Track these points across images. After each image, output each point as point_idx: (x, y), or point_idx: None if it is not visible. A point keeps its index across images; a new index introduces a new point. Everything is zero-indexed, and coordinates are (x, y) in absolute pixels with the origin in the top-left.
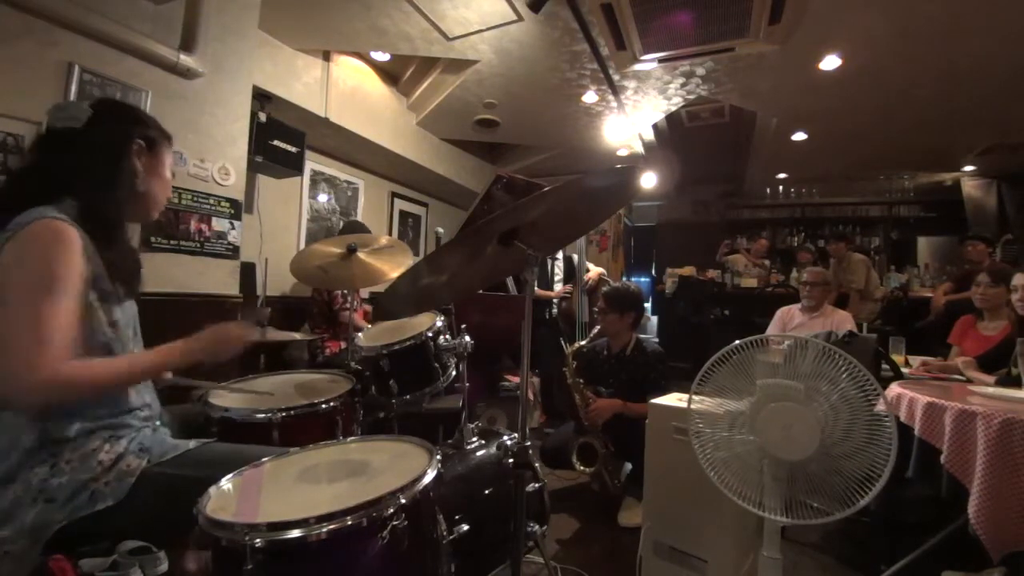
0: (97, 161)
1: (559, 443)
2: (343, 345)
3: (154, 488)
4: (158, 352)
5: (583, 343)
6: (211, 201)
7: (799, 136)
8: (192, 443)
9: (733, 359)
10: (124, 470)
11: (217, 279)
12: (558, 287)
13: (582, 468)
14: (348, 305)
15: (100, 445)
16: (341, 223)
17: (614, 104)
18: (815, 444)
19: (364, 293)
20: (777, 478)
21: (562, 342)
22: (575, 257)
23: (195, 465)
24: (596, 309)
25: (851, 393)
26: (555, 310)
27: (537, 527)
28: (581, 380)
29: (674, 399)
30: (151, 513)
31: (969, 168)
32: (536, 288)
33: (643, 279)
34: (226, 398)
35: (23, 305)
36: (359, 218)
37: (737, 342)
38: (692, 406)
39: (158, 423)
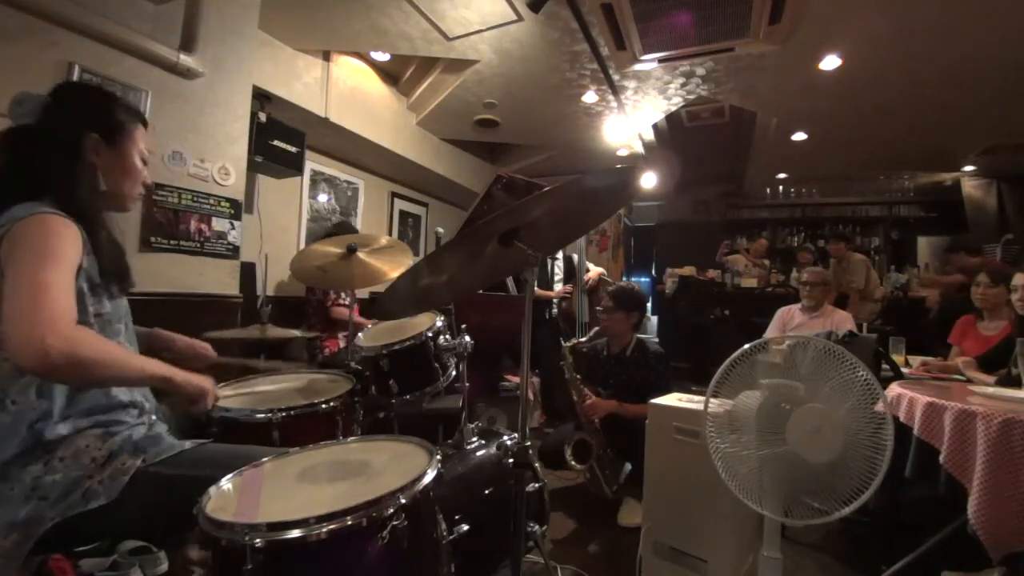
0: (53, 161)
1: (556, 444)
2: (341, 344)
3: (149, 487)
4: (161, 366)
5: (582, 340)
6: (211, 201)
7: (799, 136)
8: (188, 443)
9: (749, 360)
10: (118, 468)
11: (217, 279)
12: (558, 287)
13: (573, 463)
14: (342, 301)
15: (93, 442)
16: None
17: (614, 104)
18: (840, 446)
19: (360, 293)
20: (785, 479)
21: (562, 342)
22: (575, 257)
23: (191, 465)
24: (599, 308)
25: (860, 393)
26: (555, 310)
27: (537, 527)
28: (579, 376)
29: (674, 399)
30: (146, 512)
31: (969, 168)
32: (536, 288)
33: (643, 279)
34: (226, 398)
35: (28, 275)
36: (359, 218)
37: (749, 345)
38: (709, 409)
39: (153, 417)
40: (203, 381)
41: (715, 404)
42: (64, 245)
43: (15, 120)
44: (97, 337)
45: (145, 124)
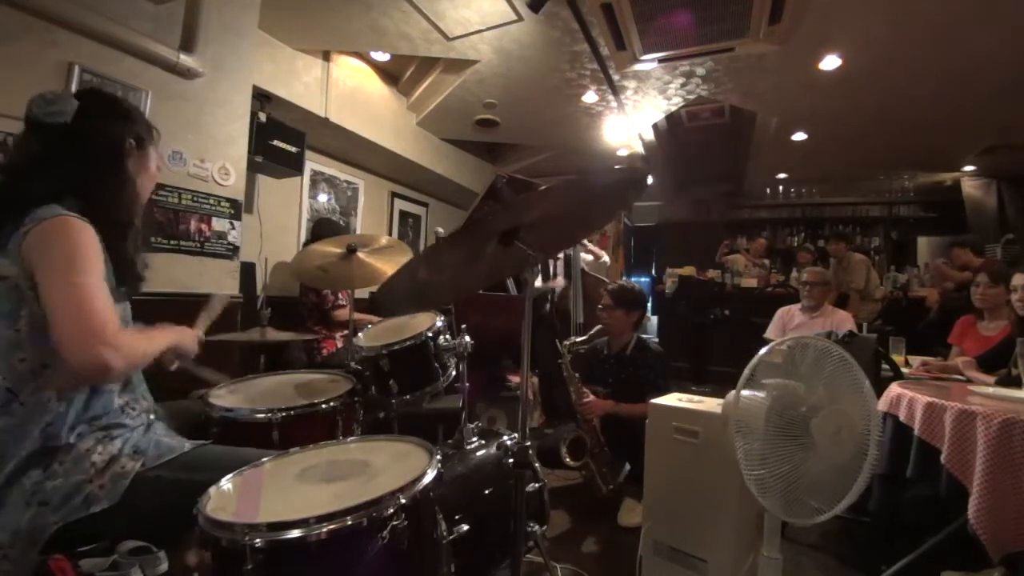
0: (93, 161)
1: (554, 443)
2: (339, 344)
3: (149, 491)
4: (165, 330)
5: (578, 339)
6: (211, 201)
7: (799, 136)
8: (188, 445)
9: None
10: (118, 472)
11: (217, 279)
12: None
13: (568, 460)
14: (341, 303)
15: (93, 446)
16: (342, 223)
17: (614, 104)
18: (853, 447)
19: (360, 293)
20: (805, 481)
21: (558, 343)
22: (571, 254)
23: (190, 468)
24: (600, 307)
25: (867, 394)
26: (548, 306)
27: (537, 527)
28: (577, 374)
29: (674, 399)
30: (147, 516)
31: (969, 168)
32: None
33: (643, 279)
34: (226, 398)
35: (65, 284)
36: (359, 218)
37: (778, 340)
38: (740, 405)
39: (152, 417)
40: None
41: (746, 396)
42: (92, 249)
43: (46, 119)
44: (133, 336)
45: (157, 135)
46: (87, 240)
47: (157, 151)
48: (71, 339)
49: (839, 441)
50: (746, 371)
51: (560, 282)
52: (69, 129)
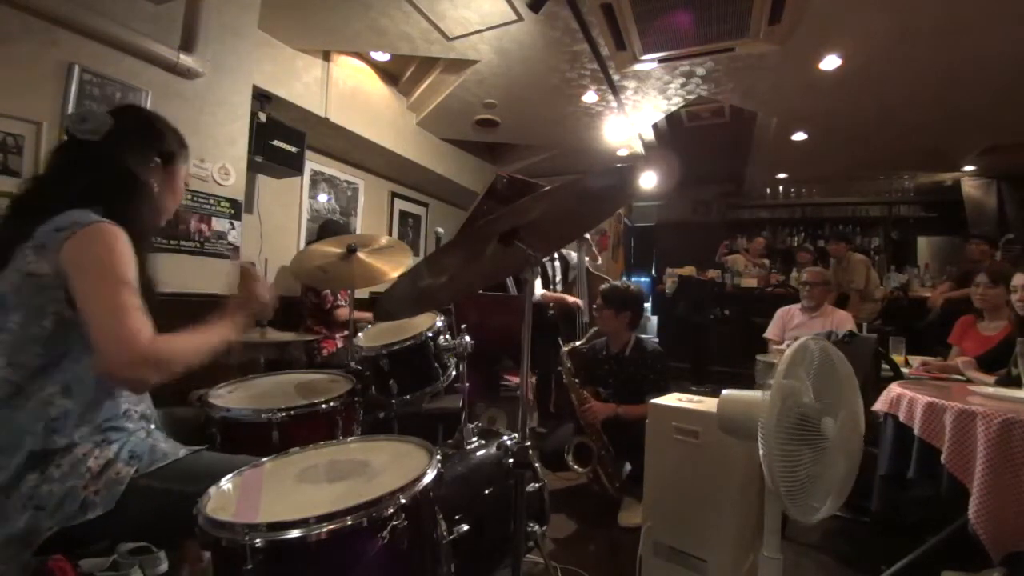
0: (115, 179)
1: (557, 445)
2: (339, 344)
3: (142, 499)
4: (217, 326)
5: (580, 343)
6: (211, 201)
7: (799, 136)
8: (183, 451)
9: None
10: (113, 478)
11: (217, 279)
12: (560, 289)
13: (576, 467)
14: (340, 303)
15: (90, 450)
16: (341, 222)
17: (614, 104)
18: (858, 447)
19: (360, 293)
20: (819, 483)
21: (559, 342)
22: (573, 256)
23: (183, 479)
24: (594, 307)
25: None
26: (551, 311)
27: (537, 527)
28: (577, 379)
29: (674, 399)
30: (143, 520)
31: (969, 168)
32: (541, 289)
33: (643, 279)
34: (226, 398)
35: (103, 296)
36: (359, 218)
37: (806, 337)
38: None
39: (152, 427)
40: (250, 303)
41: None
42: (129, 257)
43: (78, 135)
44: (171, 341)
45: (188, 152)
46: (124, 248)
47: (187, 168)
48: (109, 353)
49: (851, 440)
50: (779, 369)
51: (574, 300)
52: (97, 144)
